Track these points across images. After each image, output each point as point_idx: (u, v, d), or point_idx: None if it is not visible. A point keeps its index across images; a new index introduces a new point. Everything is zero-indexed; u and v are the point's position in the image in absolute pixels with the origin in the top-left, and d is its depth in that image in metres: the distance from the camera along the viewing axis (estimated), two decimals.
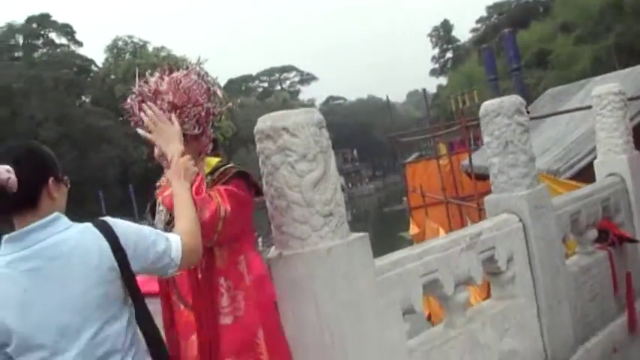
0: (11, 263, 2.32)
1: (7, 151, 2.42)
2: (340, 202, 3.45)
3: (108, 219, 2.46)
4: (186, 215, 2.78)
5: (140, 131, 3.09)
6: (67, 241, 2.34)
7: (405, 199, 25.23)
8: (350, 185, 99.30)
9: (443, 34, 74.91)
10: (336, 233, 3.39)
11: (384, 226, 45.96)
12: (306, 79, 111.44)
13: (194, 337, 3.20)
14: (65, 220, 2.42)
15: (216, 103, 3.34)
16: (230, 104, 3.54)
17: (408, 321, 3.95)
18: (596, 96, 6.59)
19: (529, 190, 4.96)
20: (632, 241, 6.33)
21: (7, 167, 2.29)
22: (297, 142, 3.30)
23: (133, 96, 3.20)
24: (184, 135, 3.14)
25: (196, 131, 3.21)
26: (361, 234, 3.56)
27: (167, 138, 3.02)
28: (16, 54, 54.05)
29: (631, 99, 7.15)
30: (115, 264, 2.37)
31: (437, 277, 4.15)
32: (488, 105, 5.03)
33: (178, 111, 3.14)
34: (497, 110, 4.92)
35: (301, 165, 3.30)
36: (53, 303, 2.29)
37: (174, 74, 3.23)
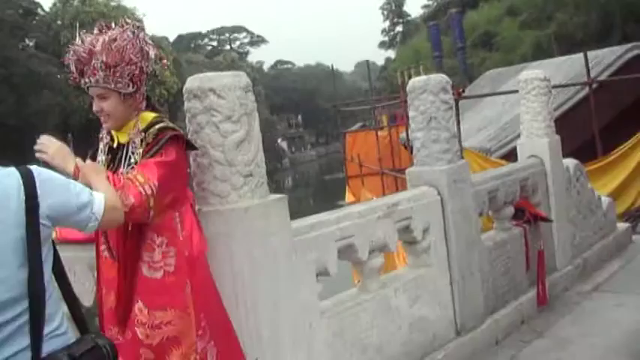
0: None
1: None
2: (261, 164, 3.60)
3: (34, 167, 2.46)
4: (105, 184, 2.87)
5: (38, 155, 3.16)
6: None
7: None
8: (293, 150, 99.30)
9: (394, 7, 74.95)
10: (255, 193, 3.55)
11: (324, 194, 46.23)
12: (256, 41, 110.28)
13: (114, 289, 3.31)
14: None
15: (150, 62, 3.41)
16: (164, 60, 3.60)
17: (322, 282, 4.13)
18: (522, 80, 6.83)
19: (449, 165, 5.17)
20: (547, 220, 6.63)
21: None
22: (222, 104, 3.44)
23: (70, 54, 3.28)
24: (119, 93, 3.25)
25: (130, 89, 3.28)
26: (279, 195, 3.72)
27: (61, 157, 3.07)
28: None
29: (558, 86, 7.40)
30: (23, 212, 2.34)
31: (352, 242, 4.34)
32: (415, 82, 5.21)
33: (111, 70, 3.21)
34: (424, 87, 5.10)
35: (225, 125, 3.44)
36: None
37: (110, 32, 3.29)
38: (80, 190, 2.56)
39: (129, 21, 3.38)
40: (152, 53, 3.36)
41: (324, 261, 4.10)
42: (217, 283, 3.41)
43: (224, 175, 3.48)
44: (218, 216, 3.49)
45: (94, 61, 3.20)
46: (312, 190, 69.23)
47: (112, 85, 3.23)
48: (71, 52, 3.27)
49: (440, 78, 5.21)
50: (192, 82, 3.52)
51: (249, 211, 3.50)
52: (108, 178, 3.04)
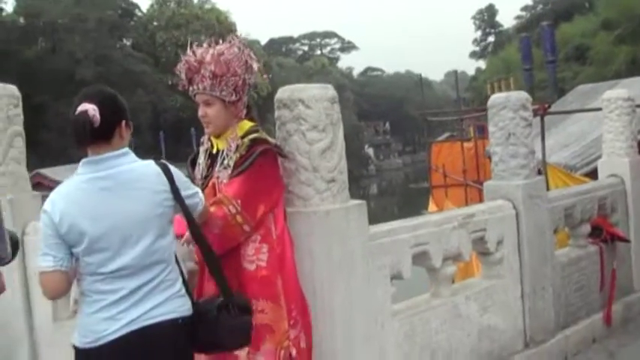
0: (90, 181, 2.87)
1: (96, 94, 2.96)
2: (343, 171, 3.88)
3: (165, 162, 3.08)
4: None
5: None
6: (135, 170, 2.94)
7: None
8: (380, 157, 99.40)
9: (487, 17, 74.23)
10: (337, 198, 3.83)
11: (408, 202, 46.12)
12: (347, 47, 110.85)
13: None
14: (133, 154, 2.98)
15: (253, 74, 3.75)
16: (265, 76, 3.91)
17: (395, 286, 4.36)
18: (606, 99, 6.88)
19: (526, 180, 5.31)
20: (625, 240, 6.64)
21: (94, 106, 2.84)
22: (310, 114, 3.73)
23: (182, 63, 3.68)
24: (223, 100, 3.61)
25: (233, 98, 3.63)
26: (359, 201, 4.00)
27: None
28: None
29: None
30: (171, 194, 2.98)
31: (427, 249, 4.56)
32: (495, 98, 5.38)
33: (218, 79, 3.59)
34: (504, 104, 5.26)
35: (312, 134, 3.74)
36: (120, 216, 2.85)
37: (219, 46, 3.66)
38: (190, 184, 3.22)
39: (236, 38, 3.74)
40: (255, 67, 3.70)
41: (399, 265, 4.33)
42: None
43: (308, 180, 3.77)
44: (301, 217, 3.78)
45: (203, 71, 3.59)
46: (397, 198, 69.08)
47: (218, 93, 3.59)
48: (183, 62, 3.67)
49: (520, 95, 5.37)
50: (282, 92, 3.83)
51: (331, 214, 3.78)
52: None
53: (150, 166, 3.00)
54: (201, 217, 3.26)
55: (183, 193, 3.05)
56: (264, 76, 3.82)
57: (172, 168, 3.07)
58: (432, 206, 19.47)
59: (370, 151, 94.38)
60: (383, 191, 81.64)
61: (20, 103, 4.49)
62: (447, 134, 38.01)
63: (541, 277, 5.44)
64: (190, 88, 3.68)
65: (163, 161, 3.08)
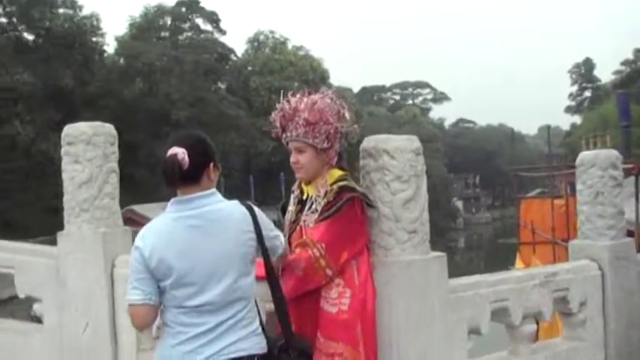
0: (179, 219, 3.05)
1: (186, 138, 3.16)
2: (425, 222, 3.92)
3: (250, 203, 3.23)
4: None
5: None
6: (223, 209, 3.11)
7: None
8: (474, 211, 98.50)
9: (584, 71, 72.93)
10: (417, 249, 3.87)
11: (495, 257, 45.44)
12: (439, 97, 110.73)
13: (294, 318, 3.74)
14: (219, 195, 3.16)
15: (345, 123, 3.86)
16: (356, 126, 4.00)
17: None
18: None
19: (613, 241, 5.19)
20: None
21: (183, 150, 3.02)
22: (394, 164, 3.82)
23: (277, 111, 3.83)
24: (315, 148, 3.74)
25: (325, 145, 3.75)
26: (440, 253, 4.03)
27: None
28: (163, 34, 56.26)
29: None
30: (254, 235, 3.14)
31: (507, 305, 4.50)
32: (584, 156, 5.31)
33: (311, 127, 3.72)
34: (593, 162, 5.19)
35: (395, 184, 3.82)
36: (207, 253, 3.02)
37: (313, 96, 3.81)
38: (274, 227, 3.33)
39: (328, 89, 3.87)
40: (347, 116, 3.83)
41: (477, 320, 4.30)
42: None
43: (390, 230, 3.83)
44: (381, 266, 3.83)
45: (297, 118, 3.73)
46: (485, 252, 67.97)
47: (310, 140, 3.72)
48: (278, 109, 3.82)
49: (609, 153, 5.28)
50: (368, 142, 3.93)
51: (411, 265, 3.82)
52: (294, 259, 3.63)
53: (236, 206, 3.16)
54: (279, 260, 3.42)
55: (265, 234, 3.18)
56: (355, 125, 3.91)
57: (257, 209, 3.22)
58: (518, 262, 19.12)
59: (459, 204, 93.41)
60: (470, 245, 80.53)
61: (116, 142, 4.69)
62: (537, 190, 37.38)
63: (628, 343, 5.26)
64: (284, 135, 3.81)
65: (249, 202, 3.23)
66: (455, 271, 4.08)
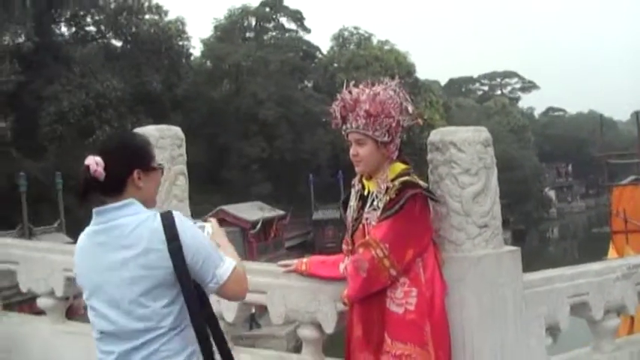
0: (90, 234, 2.76)
1: (103, 144, 2.92)
2: (496, 216, 3.80)
3: (176, 213, 2.76)
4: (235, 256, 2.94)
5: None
6: (129, 224, 2.66)
7: None
8: (569, 199, 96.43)
9: None
10: (489, 243, 3.75)
11: (590, 247, 44.31)
12: (527, 86, 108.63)
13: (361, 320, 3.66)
14: (137, 206, 2.73)
15: (407, 117, 3.75)
16: (419, 120, 3.90)
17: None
18: None
19: None
20: None
21: (97, 159, 2.66)
22: (462, 157, 3.70)
23: (338, 101, 3.75)
24: (375, 140, 3.63)
25: (386, 139, 3.64)
26: (513, 247, 3.91)
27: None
28: (248, 34, 57.16)
29: None
30: (168, 254, 2.64)
31: (586, 300, 4.33)
32: None
33: (372, 119, 3.61)
34: None
35: (464, 178, 3.70)
36: (105, 276, 2.68)
37: (375, 88, 3.70)
38: (213, 252, 2.79)
39: (391, 82, 3.76)
40: (410, 109, 3.70)
41: (555, 316, 4.14)
42: None
43: (460, 225, 3.72)
44: (452, 262, 3.72)
45: (357, 109, 3.63)
46: (579, 242, 66.39)
47: (371, 133, 3.62)
48: (339, 100, 3.73)
49: None
50: (434, 135, 3.82)
51: (482, 260, 3.71)
52: (352, 262, 3.56)
53: (149, 219, 2.70)
54: (227, 289, 2.80)
55: (189, 261, 2.67)
56: (418, 119, 3.79)
57: (184, 224, 2.74)
58: (612, 252, 18.60)
59: (551, 193, 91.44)
60: (565, 235, 78.87)
61: (184, 144, 4.70)
62: (631, 177, 36.11)
63: None
64: (343, 127, 3.72)
65: (172, 213, 2.75)
66: (549, 262, 3.91)
